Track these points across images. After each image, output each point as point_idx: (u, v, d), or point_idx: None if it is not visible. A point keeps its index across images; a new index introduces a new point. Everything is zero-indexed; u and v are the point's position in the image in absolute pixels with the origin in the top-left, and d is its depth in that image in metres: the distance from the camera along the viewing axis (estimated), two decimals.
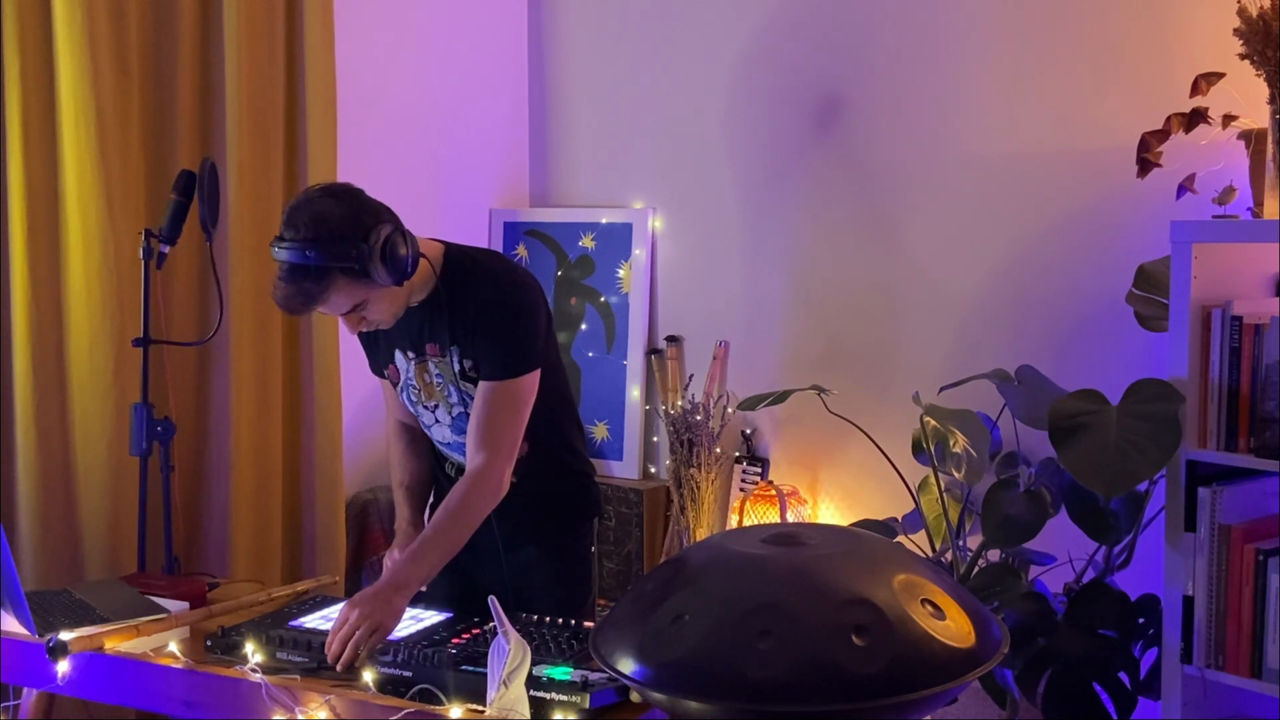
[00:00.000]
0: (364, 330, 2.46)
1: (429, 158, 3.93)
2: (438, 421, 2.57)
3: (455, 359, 2.47)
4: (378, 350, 2.60)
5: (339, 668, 2.17)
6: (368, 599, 2.25)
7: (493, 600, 1.94)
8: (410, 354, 2.53)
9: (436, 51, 3.92)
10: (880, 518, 3.11)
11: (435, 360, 2.49)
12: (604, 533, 3.91)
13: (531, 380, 2.46)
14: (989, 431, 2.91)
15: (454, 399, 2.50)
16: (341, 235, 2.26)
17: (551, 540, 2.63)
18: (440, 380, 2.50)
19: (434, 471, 2.70)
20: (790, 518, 3.56)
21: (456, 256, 2.50)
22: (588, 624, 2.31)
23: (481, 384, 2.45)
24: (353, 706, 2.05)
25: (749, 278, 3.82)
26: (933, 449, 2.95)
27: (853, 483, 3.63)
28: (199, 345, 3.14)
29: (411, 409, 2.60)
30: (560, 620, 2.31)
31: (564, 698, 1.98)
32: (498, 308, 2.44)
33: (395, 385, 2.59)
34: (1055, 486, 2.77)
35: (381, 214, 2.33)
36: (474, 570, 2.55)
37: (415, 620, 2.35)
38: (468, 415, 2.50)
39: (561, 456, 2.64)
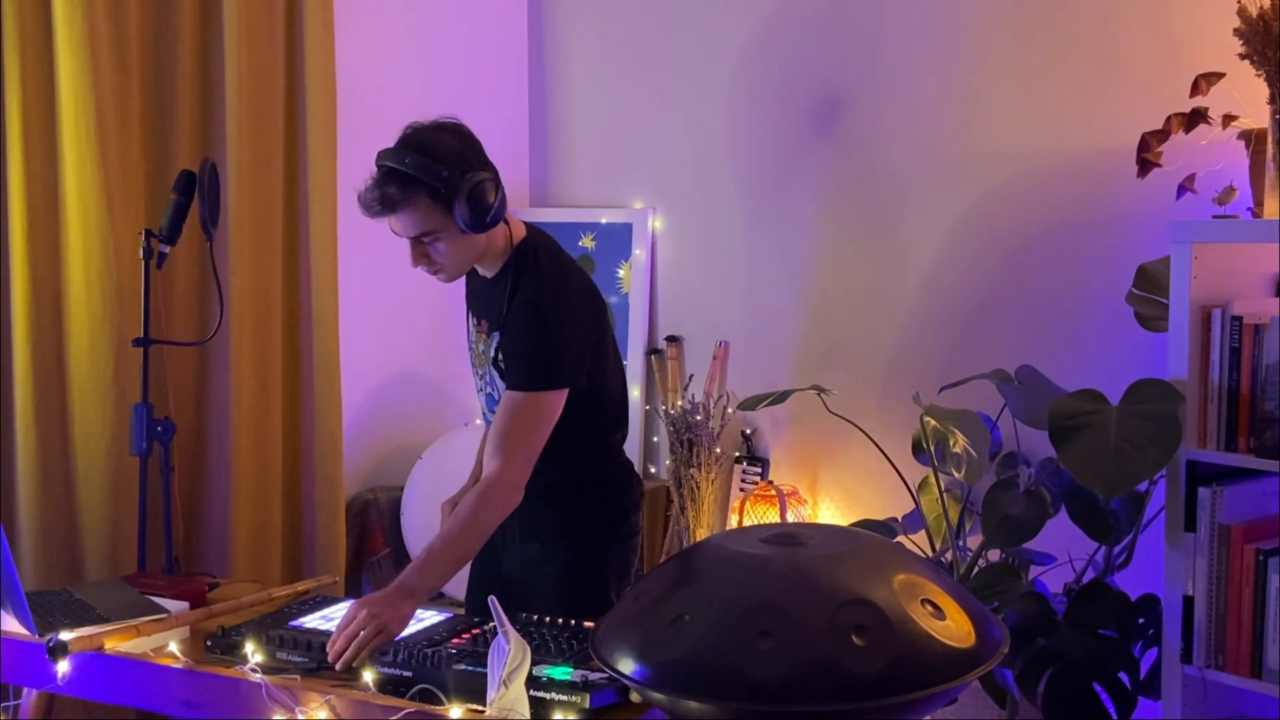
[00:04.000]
0: (426, 270, 2.48)
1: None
2: (479, 390, 2.64)
3: (494, 344, 2.51)
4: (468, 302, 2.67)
5: (339, 666, 2.17)
6: (376, 601, 2.24)
7: (493, 600, 1.94)
8: (473, 320, 2.60)
9: (436, 52, 3.92)
10: (880, 518, 3.11)
11: (484, 336, 2.55)
12: None
13: (556, 398, 2.41)
14: (989, 431, 2.91)
15: (487, 376, 2.55)
16: (442, 157, 2.35)
17: (557, 538, 2.58)
18: (482, 356, 2.56)
19: None
20: (790, 518, 3.56)
21: (529, 245, 2.53)
22: (587, 624, 2.31)
23: (506, 391, 2.45)
24: (353, 706, 2.05)
25: (749, 278, 3.82)
26: (933, 449, 2.95)
27: (853, 483, 3.63)
28: (199, 345, 3.14)
29: (472, 368, 2.66)
30: (560, 620, 2.31)
31: (564, 698, 1.98)
32: (535, 318, 2.42)
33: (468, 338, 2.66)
34: (1055, 486, 2.76)
35: (488, 165, 2.43)
36: (492, 559, 2.56)
37: (415, 620, 2.35)
38: (493, 397, 2.54)
39: (568, 462, 2.54)
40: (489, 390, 2.56)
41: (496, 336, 2.50)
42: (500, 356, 2.49)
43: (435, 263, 2.44)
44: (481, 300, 2.56)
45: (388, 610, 2.22)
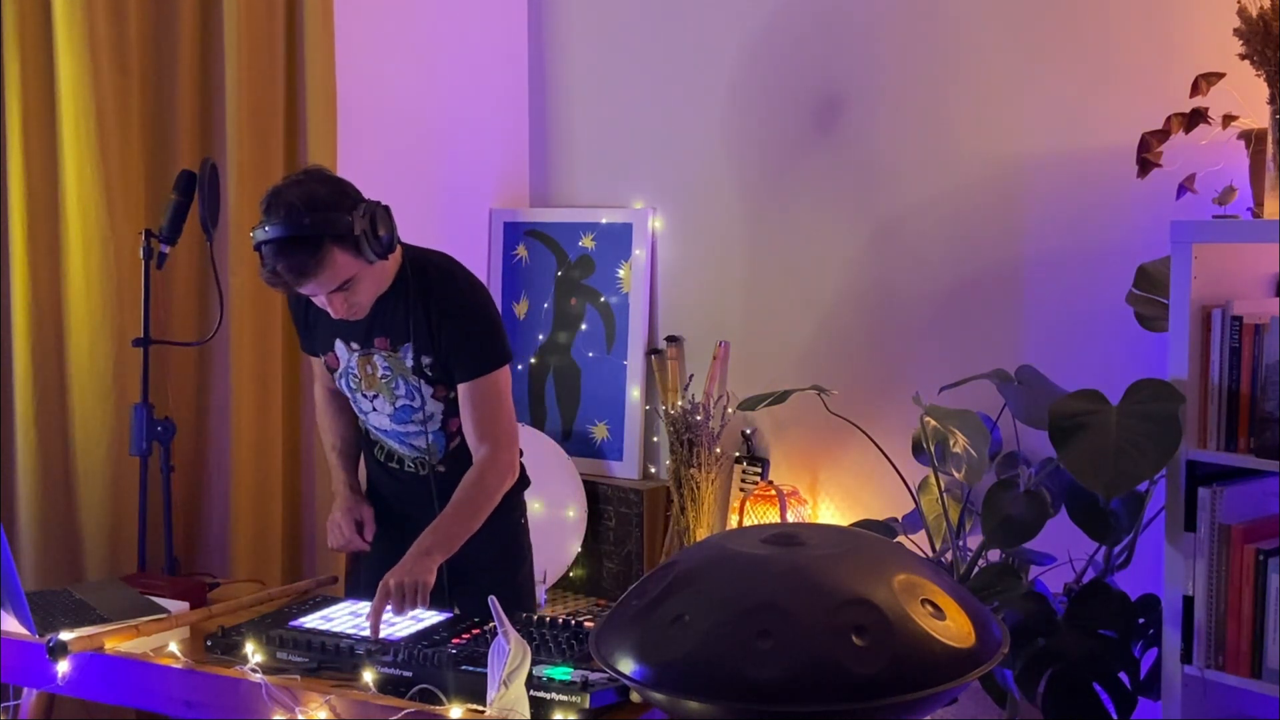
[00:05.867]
0: (349, 317, 2.49)
1: (429, 158, 3.93)
2: (375, 410, 2.63)
3: (409, 355, 2.51)
4: (314, 334, 2.66)
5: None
6: (399, 571, 2.36)
7: (493, 600, 1.94)
8: (354, 345, 2.59)
9: (436, 51, 3.92)
10: (880, 518, 3.11)
11: (384, 354, 2.55)
12: (604, 532, 3.91)
13: (508, 372, 2.57)
14: (989, 431, 2.91)
15: (401, 391, 2.56)
16: (334, 205, 2.35)
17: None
18: (388, 373, 2.56)
19: (364, 455, 2.78)
20: (790, 518, 3.55)
21: (413, 256, 2.57)
22: (588, 624, 2.32)
23: (461, 386, 2.53)
24: (353, 706, 2.05)
25: (749, 278, 3.82)
26: (933, 449, 2.95)
27: (853, 483, 3.63)
28: (199, 345, 3.14)
29: (350, 395, 2.66)
30: (560, 620, 2.31)
31: (564, 698, 1.98)
32: (464, 312, 2.52)
33: (332, 371, 2.65)
34: (1055, 486, 2.76)
35: (360, 194, 2.43)
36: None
37: (415, 620, 2.35)
38: (411, 407, 2.57)
39: None
40: (405, 402, 2.57)
41: (410, 347, 2.52)
42: (426, 363, 2.52)
43: (354, 303, 2.46)
44: (359, 322, 2.53)
45: (413, 571, 2.36)
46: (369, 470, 2.79)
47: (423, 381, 2.54)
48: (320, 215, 2.32)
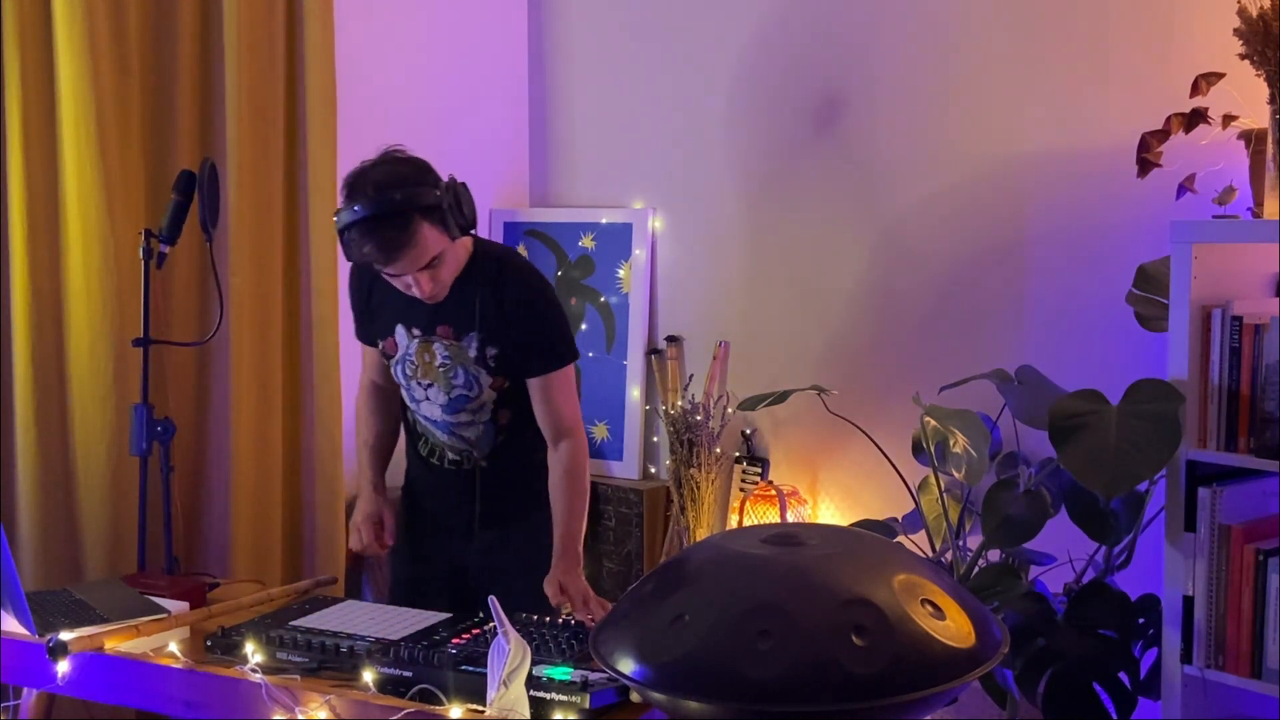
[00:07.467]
0: (434, 298, 2.49)
1: (429, 158, 3.90)
2: (428, 399, 2.63)
3: (473, 345, 2.50)
4: (374, 321, 2.66)
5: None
6: (572, 581, 2.50)
7: (493, 600, 1.94)
8: (416, 331, 2.58)
9: (436, 51, 3.92)
10: (880, 518, 3.11)
11: (445, 343, 2.54)
12: (604, 533, 3.91)
13: (573, 367, 2.62)
14: (989, 431, 2.91)
15: (459, 380, 2.56)
16: (419, 181, 2.38)
17: (521, 518, 2.69)
18: (446, 361, 2.55)
19: (406, 450, 2.80)
20: (790, 518, 3.56)
21: (485, 249, 2.60)
22: (588, 624, 2.32)
23: (534, 380, 2.57)
24: (353, 706, 2.05)
25: (749, 278, 3.82)
26: (933, 449, 2.95)
27: (853, 483, 3.63)
28: (199, 345, 3.14)
29: (404, 383, 2.65)
30: (560, 620, 2.31)
31: (564, 698, 1.98)
32: (541, 309, 2.57)
33: (389, 358, 2.64)
34: (1055, 486, 2.76)
35: (438, 172, 2.46)
36: (449, 549, 2.58)
37: (415, 620, 2.35)
38: (468, 398, 2.57)
39: (533, 443, 2.68)
40: (461, 391, 2.58)
41: (475, 336, 2.52)
42: (491, 353, 2.53)
43: (440, 282, 2.46)
44: (425, 308, 2.54)
45: (583, 586, 2.52)
46: (409, 466, 2.82)
47: (483, 371, 2.56)
48: (408, 190, 2.34)
